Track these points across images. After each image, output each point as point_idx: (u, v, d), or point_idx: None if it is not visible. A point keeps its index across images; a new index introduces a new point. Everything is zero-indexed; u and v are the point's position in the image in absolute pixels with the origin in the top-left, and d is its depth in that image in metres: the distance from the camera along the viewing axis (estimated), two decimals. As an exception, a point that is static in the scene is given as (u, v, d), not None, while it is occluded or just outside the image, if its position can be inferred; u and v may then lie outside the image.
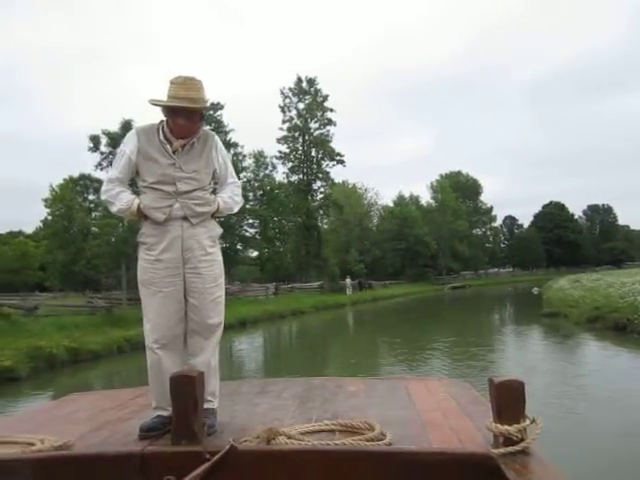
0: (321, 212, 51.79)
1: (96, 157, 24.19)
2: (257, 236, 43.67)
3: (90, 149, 23.85)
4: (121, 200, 2.83)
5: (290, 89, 50.17)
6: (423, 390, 3.46)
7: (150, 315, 2.77)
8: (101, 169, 24.25)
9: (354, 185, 68.53)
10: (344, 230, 60.35)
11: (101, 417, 3.13)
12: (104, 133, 23.59)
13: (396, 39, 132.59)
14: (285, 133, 49.96)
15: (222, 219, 3.38)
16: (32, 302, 20.58)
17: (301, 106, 50.28)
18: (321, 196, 51.27)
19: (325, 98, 50.18)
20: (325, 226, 57.12)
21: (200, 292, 2.78)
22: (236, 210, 3.10)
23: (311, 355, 17.08)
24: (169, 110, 2.78)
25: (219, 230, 2.97)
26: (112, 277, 25.72)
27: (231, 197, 3.00)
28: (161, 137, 2.81)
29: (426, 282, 66.54)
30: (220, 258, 2.93)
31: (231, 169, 3.07)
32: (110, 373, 14.15)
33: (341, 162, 50.73)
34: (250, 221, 42.18)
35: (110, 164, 24.41)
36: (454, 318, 28.08)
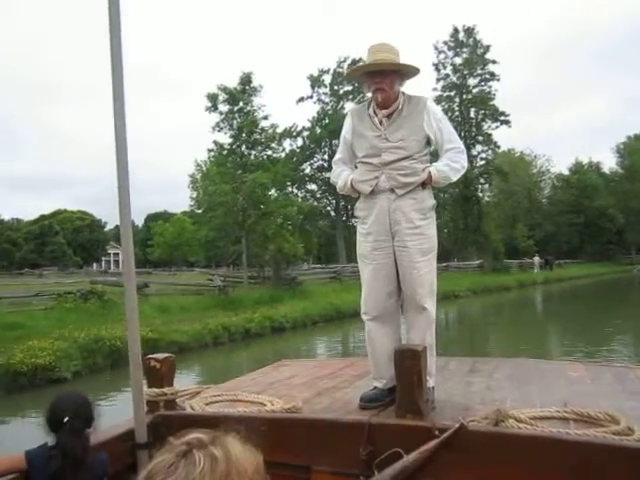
0: (482, 181, 45.26)
1: (214, 118, 21.56)
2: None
3: (208, 109, 21.22)
4: (341, 178, 2.91)
5: (445, 42, 44.18)
6: None
7: (363, 287, 2.82)
8: (219, 130, 21.56)
9: (521, 153, 60.57)
10: (510, 202, 53.55)
11: (318, 384, 3.25)
12: (220, 89, 20.78)
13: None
14: (439, 93, 44.22)
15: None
16: (141, 279, 18.52)
17: (458, 61, 44.15)
18: (482, 162, 44.80)
19: (486, 49, 43.44)
20: (487, 198, 50.69)
21: (407, 266, 2.71)
22: (455, 179, 2.87)
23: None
24: (363, 79, 2.87)
25: (431, 202, 2.80)
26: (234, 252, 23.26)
27: (447, 164, 2.80)
28: (370, 111, 2.83)
29: (610, 262, 57.22)
30: (431, 231, 2.78)
31: (449, 134, 2.85)
32: (185, 374, 10.96)
33: (506, 122, 43.89)
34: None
35: (230, 125, 21.76)
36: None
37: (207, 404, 2.73)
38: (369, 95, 2.87)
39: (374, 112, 2.81)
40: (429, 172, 2.74)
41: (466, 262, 40.53)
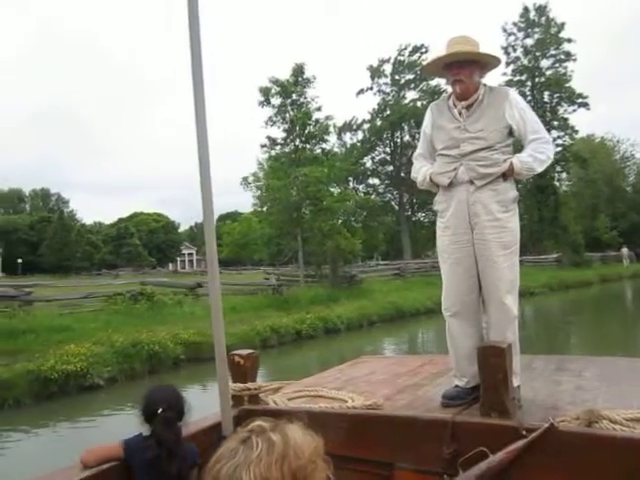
0: (558, 169, 42.44)
1: (267, 112, 20.91)
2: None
3: (260, 103, 20.59)
4: (420, 173, 2.88)
5: (514, 23, 41.71)
6: None
7: (443, 282, 2.78)
8: (272, 124, 20.85)
9: (602, 138, 56.54)
10: (590, 191, 50.10)
11: (398, 381, 3.23)
12: (272, 81, 20.09)
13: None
14: (509, 77, 41.80)
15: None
16: (196, 279, 18.22)
17: (529, 42, 41.57)
18: (558, 149, 41.93)
19: (561, 27, 40.67)
20: (564, 187, 47.55)
21: (487, 260, 2.65)
22: (540, 170, 2.78)
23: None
24: (442, 73, 2.83)
25: (513, 194, 2.72)
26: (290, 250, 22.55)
27: (531, 155, 2.70)
28: (450, 103, 2.81)
29: None
30: (513, 224, 2.70)
31: (533, 124, 2.76)
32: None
33: (584, 105, 40.99)
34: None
35: (283, 119, 21.10)
36: None
37: (289, 399, 2.79)
38: (449, 88, 2.85)
39: (453, 104, 2.78)
40: (511, 163, 2.66)
41: (542, 256, 38.00)
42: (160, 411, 2.04)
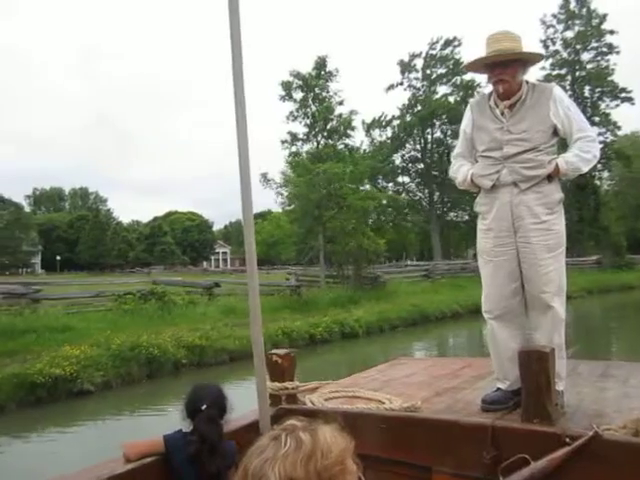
0: (599, 167, 40.64)
1: (289, 106, 20.29)
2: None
3: (281, 98, 19.98)
4: (460, 173, 2.84)
5: (554, 15, 40.24)
6: None
7: (484, 285, 2.77)
8: (293, 119, 20.22)
9: (647, 134, 54.11)
10: (634, 190, 47.95)
11: (436, 383, 3.21)
12: (293, 75, 19.40)
13: None
14: (548, 71, 40.25)
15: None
16: (210, 280, 17.70)
17: (569, 35, 40.00)
18: (599, 146, 40.12)
19: (603, 19, 39.06)
20: (606, 186, 45.59)
21: (531, 263, 2.61)
22: (586, 169, 2.69)
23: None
24: (483, 71, 2.75)
25: (558, 195, 2.67)
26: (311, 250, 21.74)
27: (577, 155, 2.62)
28: (491, 103, 2.74)
29: None
30: (559, 227, 2.65)
31: (579, 122, 2.67)
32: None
33: (628, 99, 39.31)
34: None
35: (305, 114, 20.48)
36: None
37: (326, 399, 2.81)
38: (490, 86, 2.76)
39: (495, 104, 2.71)
40: (556, 164, 2.61)
41: (582, 258, 36.34)
42: (204, 408, 2.08)
